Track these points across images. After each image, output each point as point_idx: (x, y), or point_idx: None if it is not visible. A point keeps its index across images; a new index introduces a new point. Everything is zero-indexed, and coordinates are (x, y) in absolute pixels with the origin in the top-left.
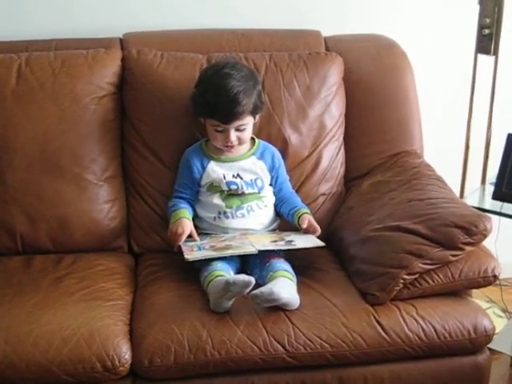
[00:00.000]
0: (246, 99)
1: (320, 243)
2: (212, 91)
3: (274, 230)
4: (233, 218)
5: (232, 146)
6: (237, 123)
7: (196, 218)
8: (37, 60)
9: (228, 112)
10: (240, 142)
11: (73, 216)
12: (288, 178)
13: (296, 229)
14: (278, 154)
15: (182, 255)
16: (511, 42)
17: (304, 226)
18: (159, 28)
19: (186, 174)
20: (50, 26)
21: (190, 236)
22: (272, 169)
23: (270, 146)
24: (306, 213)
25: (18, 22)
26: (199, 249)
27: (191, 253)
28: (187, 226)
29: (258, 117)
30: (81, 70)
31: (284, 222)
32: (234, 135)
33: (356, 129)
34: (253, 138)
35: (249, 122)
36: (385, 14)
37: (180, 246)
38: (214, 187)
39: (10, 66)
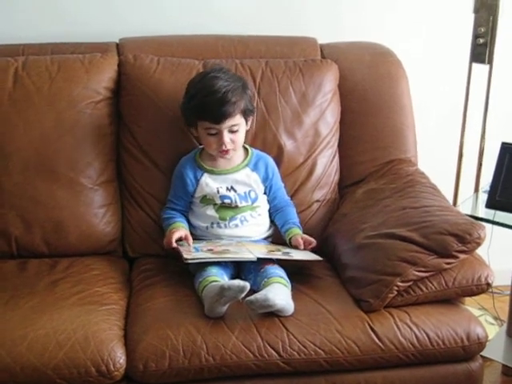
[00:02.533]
0: (236, 97)
1: (317, 257)
2: (201, 94)
3: (269, 237)
4: (226, 227)
5: (227, 151)
6: (229, 122)
7: (190, 226)
8: (34, 64)
9: (219, 111)
10: (234, 145)
11: (68, 220)
12: (283, 185)
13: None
14: (271, 164)
15: (181, 259)
16: (506, 51)
17: (301, 247)
18: (156, 33)
19: (180, 186)
20: (46, 30)
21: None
22: (266, 179)
23: (264, 154)
24: (296, 233)
25: (13, 25)
26: (197, 250)
27: (189, 253)
28: (183, 229)
29: (249, 123)
30: (77, 75)
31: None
32: (227, 137)
33: (350, 136)
34: (246, 149)
35: (241, 123)
36: (380, 22)
37: (178, 249)
38: (207, 200)
39: (6, 70)
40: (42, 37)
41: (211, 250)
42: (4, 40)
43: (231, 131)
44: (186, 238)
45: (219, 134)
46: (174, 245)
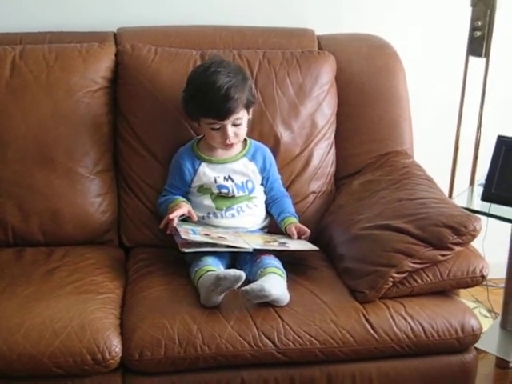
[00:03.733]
0: (238, 93)
1: (313, 247)
2: (203, 90)
3: (265, 228)
4: (222, 217)
5: (231, 144)
6: (232, 118)
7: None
8: (31, 53)
9: (222, 108)
10: (238, 138)
11: (64, 209)
12: (279, 176)
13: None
14: (269, 155)
15: (177, 244)
16: (502, 45)
17: (294, 237)
18: (153, 23)
19: (177, 176)
20: (44, 19)
21: (184, 220)
22: (263, 170)
23: (262, 145)
24: (292, 222)
25: (11, 14)
26: (194, 232)
27: (187, 234)
28: (185, 206)
29: (251, 112)
30: (75, 64)
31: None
32: (231, 131)
33: (347, 128)
34: (244, 139)
35: (244, 116)
36: (378, 14)
37: (175, 229)
38: (204, 189)
39: (4, 58)
40: (39, 26)
41: (208, 234)
42: (2, 29)
43: (234, 124)
44: (189, 214)
45: (223, 129)
46: (175, 223)
